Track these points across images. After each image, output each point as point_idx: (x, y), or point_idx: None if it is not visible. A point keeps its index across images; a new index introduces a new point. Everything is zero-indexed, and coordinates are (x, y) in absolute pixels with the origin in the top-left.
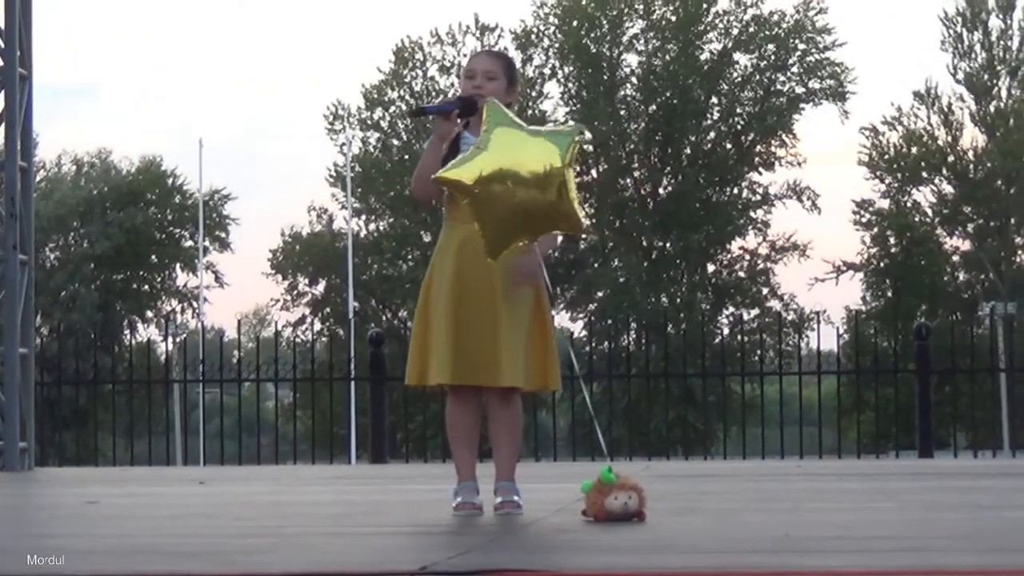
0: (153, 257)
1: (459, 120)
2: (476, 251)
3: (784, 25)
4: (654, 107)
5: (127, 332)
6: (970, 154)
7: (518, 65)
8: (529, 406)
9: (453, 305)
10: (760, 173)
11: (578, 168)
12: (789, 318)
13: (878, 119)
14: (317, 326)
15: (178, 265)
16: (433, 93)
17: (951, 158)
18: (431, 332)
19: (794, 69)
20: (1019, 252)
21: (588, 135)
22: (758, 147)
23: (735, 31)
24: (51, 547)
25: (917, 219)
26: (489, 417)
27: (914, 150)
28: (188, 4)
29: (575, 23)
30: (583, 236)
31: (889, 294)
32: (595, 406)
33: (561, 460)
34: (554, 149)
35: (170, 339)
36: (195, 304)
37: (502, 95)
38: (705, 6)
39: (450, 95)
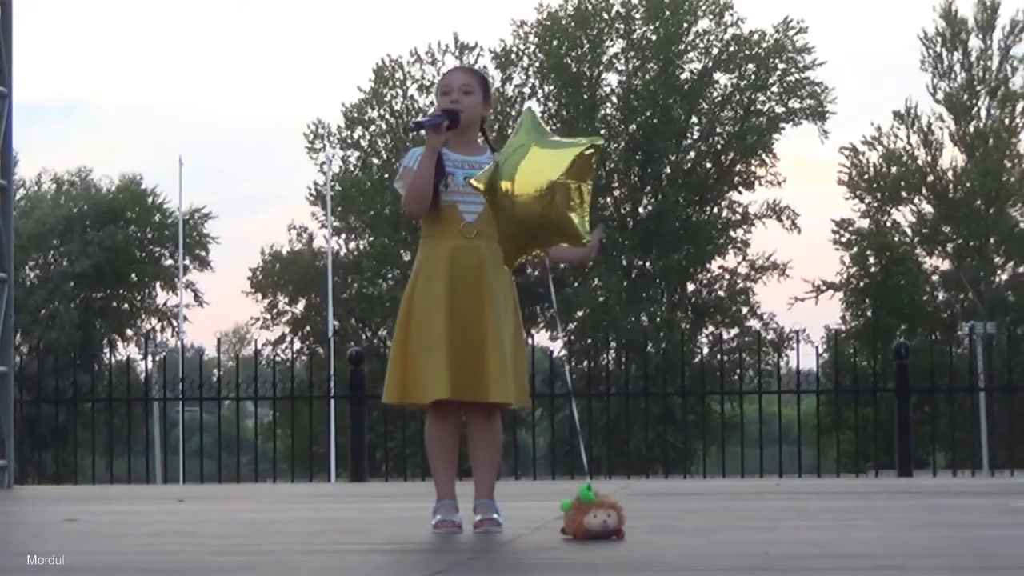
0: (133, 276)
1: (448, 131)
2: (468, 267)
3: (764, 45)
4: (634, 126)
5: (107, 350)
6: (950, 174)
7: (497, 84)
8: (508, 424)
9: (447, 321)
10: (740, 192)
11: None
12: (769, 337)
13: (858, 139)
14: (297, 345)
15: (158, 284)
16: (413, 112)
17: (931, 178)
18: (414, 350)
19: (774, 89)
20: (998, 272)
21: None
22: (738, 166)
23: (715, 51)
24: (32, 565)
25: (897, 239)
26: (469, 435)
27: (894, 170)
28: (168, 24)
29: (555, 42)
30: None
31: (869, 313)
32: (575, 425)
33: (540, 478)
34: (559, 161)
35: (150, 357)
36: (175, 323)
37: (479, 109)
38: (685, 26)
39: (432, 110)
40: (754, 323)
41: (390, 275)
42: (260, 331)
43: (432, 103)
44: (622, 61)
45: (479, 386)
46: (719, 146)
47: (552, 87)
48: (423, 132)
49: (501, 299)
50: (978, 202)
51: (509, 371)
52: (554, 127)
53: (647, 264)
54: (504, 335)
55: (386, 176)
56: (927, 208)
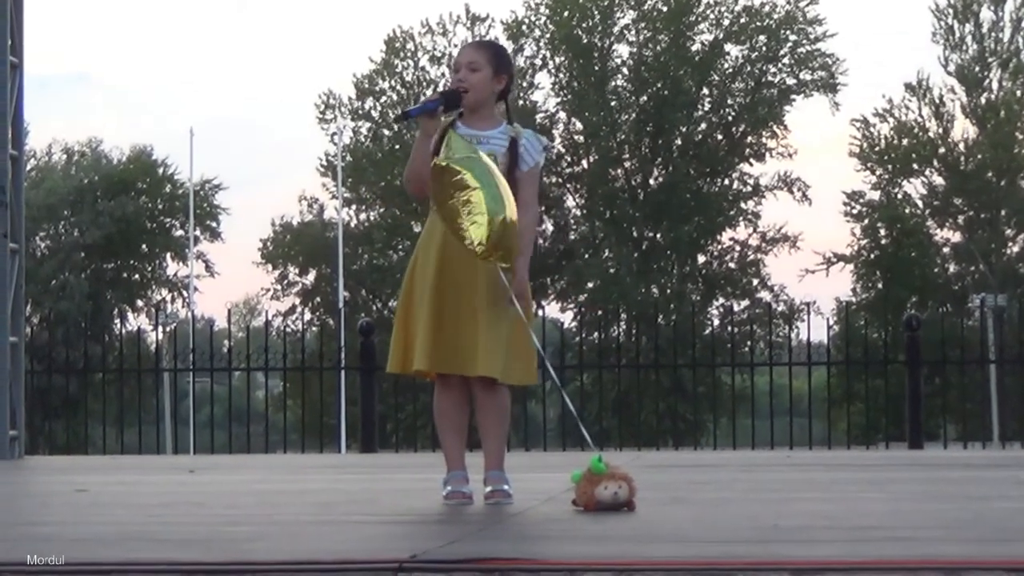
0: (143, 246)
1: (446, 114)
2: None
3: (775, 16)
4: (645, 98)
5: (117, 321)
6: (961, 146)
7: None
8: (519, 396)
9: (436, 294)
10: (751, 164)
11: (568, 160)
12: (779, 309)
13: (869, 111)
14: (307, 316)
15: (168, 254)
16: (424, 83)
17: (942, 150)
18: (413, 320)
19: (785, 60)
20: (1009, 244)
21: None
22: (749, 138)
23: (726, 22)
24: (41, 535)
25: (908, 211)
26: (476, 407)
27: (905, 142)
28: None
29: (566, 13)
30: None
31: (879, 285)
32: (585, 396)
33: (551, 450)
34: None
35: (160, 328)
36: (185, 293)
37: (489, 83)
38: None
39: (441, 86)
40: (765, 295)
41: (400, 246)
42: (270, 302)
43: (443, 74)
44: (633, 32)
45: (465, 359)
46: (730, 118)
47: (563, 58)
48: (432, 115)
49: (498, 274)
50: (989, 174)
51: (500, 345)
52: (565, 99)
53: (658, 236)
54: (497, 310)
55: (397, 147)
56: (938, 180)
